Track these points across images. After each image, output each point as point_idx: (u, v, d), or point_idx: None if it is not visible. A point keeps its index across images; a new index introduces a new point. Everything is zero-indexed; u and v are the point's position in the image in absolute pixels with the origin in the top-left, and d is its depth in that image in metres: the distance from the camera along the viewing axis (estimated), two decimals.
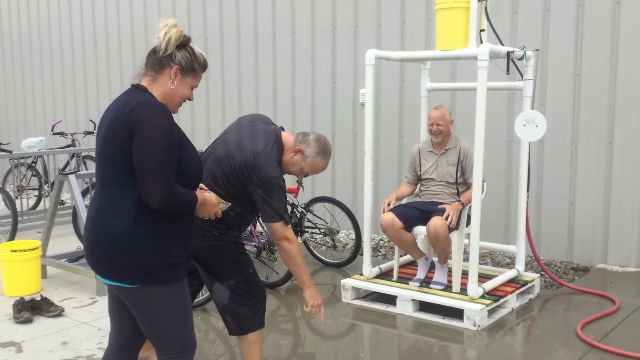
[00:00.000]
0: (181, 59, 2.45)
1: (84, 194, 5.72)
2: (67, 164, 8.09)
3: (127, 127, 2.32)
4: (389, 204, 4.89)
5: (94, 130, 8.63)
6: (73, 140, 8.47)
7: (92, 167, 8.36)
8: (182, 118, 8.61)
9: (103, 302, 4.97)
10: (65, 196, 8.95)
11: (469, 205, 4.66)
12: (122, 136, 2.33)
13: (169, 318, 2.47)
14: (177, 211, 2.43)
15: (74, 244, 6.33)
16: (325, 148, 3.21)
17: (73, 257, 5.73)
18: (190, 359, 2.56)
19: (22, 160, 8.09)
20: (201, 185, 2.70)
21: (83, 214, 5.19)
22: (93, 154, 8.20)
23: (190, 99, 2.53)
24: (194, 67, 2.49)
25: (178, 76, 2.46)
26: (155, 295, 2.43)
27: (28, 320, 4.54)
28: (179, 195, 2.38)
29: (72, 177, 5.27)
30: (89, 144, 9.24)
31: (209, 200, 2.57)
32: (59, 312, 4.68)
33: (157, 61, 2.46)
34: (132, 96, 2.42)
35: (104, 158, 2.40)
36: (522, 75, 4.92)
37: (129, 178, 2.35)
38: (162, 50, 2.43)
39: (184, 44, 2.47)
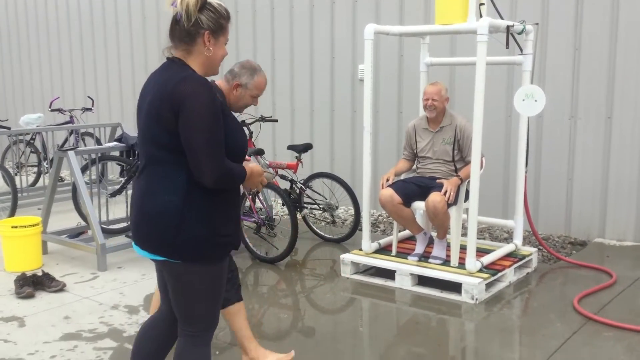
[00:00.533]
0: (208, 22, 2.35)
1: (83, 170, 5.72)
2: (66, 140, 8.09)
3: (171, 106, 2.25)
4: (387, 180, 4.91)
5: (92, 106, 8.61)
6: (71, 117, 8.45)
7: (90, 144, 8.36)
8: None
9: (104, 277, 5.01)
10: (64, 173, 8.96)
11: (467, 181, 4.68)
12: (167, 115, 2.26)
13: (202, 298, 2.43)
14: (229, 187, 2.39)
15: (74, 220, 6.36)
16: (252, 66, 3.33)
17: (74, 233, 5.76)
18: (211, 336, 2.54)
19: (20, 137, 8.08)
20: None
21: (82, 190, 5.21)
22: (92, 130, 8.19)
23: (225, 55, 2.47)
24: (222, 24, 2.39)
25: (212, 40, 2.37)
26: (194, 274, 2.39)
27: (30, 296, 4.58)
28: (231, 171, 2.33)
29: (71, 153, 5.27)
30: (87, 121, 9.23)
31: (255, 171, 2.52)
32: (60, 287, 4.72)
33: (185, 33, 2.35)
34: (172, 71, 2.33)
35: (149, 137, 2.34)
36: (521, 50, 4.90)
37: (178, 156, 2.30)
38: (185, 20, 2.32)
39: (202, 4, 2.34)
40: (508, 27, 4.50)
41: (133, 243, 2.49)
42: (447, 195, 4.57)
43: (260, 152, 5.59)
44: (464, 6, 4.50)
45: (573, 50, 5.78)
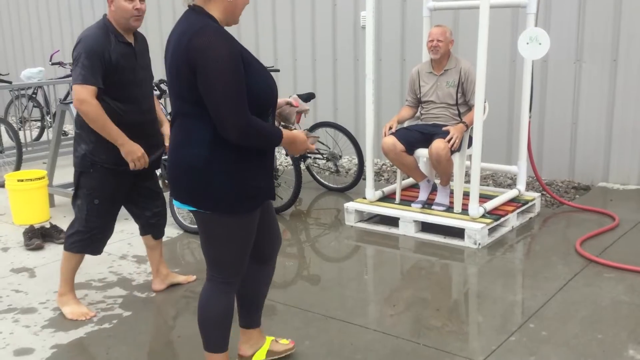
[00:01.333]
0: None
1: None
2: (68, 93, 8.05)
3: (187, 63, 2.22)
4: (390, 128, 4.89)
5: None
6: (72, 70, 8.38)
7: None
8: None
9: None
10: (68, 127, 8.96)
11: (470, 127, 4.66)
12: (185, 72, 2.24)
13: (231, 247, 2.48)
14: (260, 146, 2.35)
15: None
16: None
17: None
18: (237, 283, 2.61)
19: (22, 92, 8.05)
20: (291, 101, 2.78)
21: None
22: None
23: (247, 2, 2.39)
24: None
25: None
26: (223, 224, 2.43)
27: (39, 247, 4.66)
28: (259, 128, 2.28)
29: (73, 106, 5.25)
30: None
31: (299, 137, 2.50)
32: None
33: None
34: (189, 22, 2.27)
35: (174, 91, 2.36)
36: None
37: (202, 109, 2.29)
38: None
39: None
40: None
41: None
42: (452, 142, 4.56)
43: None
44: None
45: None
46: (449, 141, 4.56)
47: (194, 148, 2.35)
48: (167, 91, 5.78)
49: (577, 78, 5.81)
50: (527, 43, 4.63)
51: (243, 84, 2.24)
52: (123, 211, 5.42)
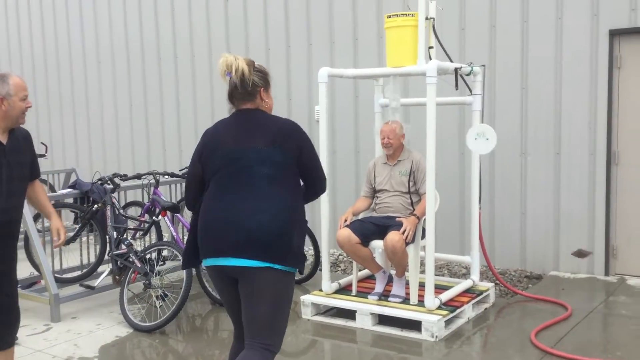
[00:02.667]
0: (260, 81, 2.93)
1: (36, 218, 5.60)
2: None
3: (294, 140, 2.90)
4: (345, 220, 4.95)
5: (45, 152, 8.45)
6: None
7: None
8: (153, 136, 8.53)
9: (57, 328, 4.87)
10: None
11: (423, 218, 4.75)
12: (291, 145, 2.88)
13: (288, 308, 2.98)
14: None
15: (26, 270, 6.17)
16: (2, 75, 3.36)
17: (26, 284, 5.59)
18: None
19: None
20: None
21: (35, 239, 5.09)
22: (45, 177, 8.03)
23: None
24: (268, 80, 2.98)
25: (264, 94, 2.96)
26: (293, 284, 2.95)
27: None
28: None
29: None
30: (40, 168, 9.03)
31: None
32: None
33: (246, 93, 2.90)
34: (263, 117, 2.92)
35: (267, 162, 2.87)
36: (470, 90, 5.06)
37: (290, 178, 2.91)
38: (240, 85, 2.87)
39: (253, 68, 2.90)
40: (456, 69, 4.65)
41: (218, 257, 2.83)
42: (406, 234, 4.63)
43: (175, 209, 5.44)
44: (414, 49, 4.65)
45: (520, 90, 5.99)
46: (402, 233, 4.63)
47: (287, 213, 2.82)
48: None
49: (524, 170, 6.05)
50: (475, 138, 4.82)
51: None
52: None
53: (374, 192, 5.17)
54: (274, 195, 2.80)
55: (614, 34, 5.61)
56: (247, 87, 2.88)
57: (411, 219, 4.73)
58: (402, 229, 4.65)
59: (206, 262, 2.91)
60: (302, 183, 2.98)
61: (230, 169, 2.84)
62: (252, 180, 2.80)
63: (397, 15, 4.69)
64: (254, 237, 2.74)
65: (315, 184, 2.99)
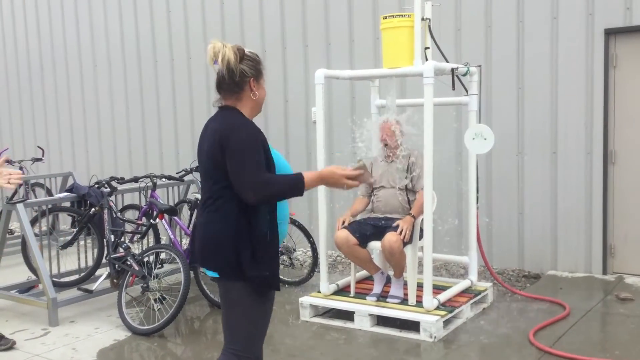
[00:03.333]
0: (250, 70, 2.72)
1: (33, 222, 5.59)
2: (15, 192, 7.89)
3: (221, 147, 2.63)
4: (343, 222, 4.95)
5: (42, 156, 8.44)
6: (21, 168, 8.26)
7: (41, 195, 8.17)
8: (150, 141, 8.53)
9: (55, 332, 4.86)
10: (14, 225, 8.71)
11: (421, 219, 4.75)
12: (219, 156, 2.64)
13: None
14: (282, 195, 2.71)
15: (24, 274, 6.16)
16: None
17: (24, 288, 5.59)
18: None
19: None
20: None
21: (32, 244, 5.08)
22: (42, 181, 8.02)
23: (266, 94, 2.84)
24: (259, 69, 2.77)
25: (255, 85, 2.75)
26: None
27: None
28: (271, 180, 2.72)
29: (20, 206, 5.15)
30: (37, 171, 9.04)
31: (326, 175, 2.92)
32: (10, 345, 4.55)
33: (234, 84, 2.71)
34: (224, 119, 2.67)
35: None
36: (467, 91, 5.07)
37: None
38: (228, 74, 2.68)
39: (242, 56, 2.70)
40: (453, 70, 4.66)
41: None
42: (403, 234, 4.63)
43: (172, 212, 5.50)
44: (410, 50, 4.66)
45: (516, 89, 6.00)
46: (400, 233, 4.63)
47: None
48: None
49: (521, 169, 6.05)
50: (473, 139, 4.83)
51: (261, 155, 2.62)
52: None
53: (372, 192, 5.17)
54: (215, 207, 2.68)
55: (610, 33, 5.62)
56: (235, 77, 2.69)
57: (407, 219, 4.73)
58: (399, 230, 4.65)
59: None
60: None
61: (200, 178, 2.84)
62: (203, 191, 2.78)
63: (393, 16, 4.69)
64: (200, 248, 2.76)
65: (239, 190, 2.59)
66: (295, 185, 2.64)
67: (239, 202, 2.64)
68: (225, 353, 2.78)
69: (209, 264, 2.75)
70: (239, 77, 2.70)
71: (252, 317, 2.75)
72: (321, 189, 4.95)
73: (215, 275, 2.76)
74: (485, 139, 4.79)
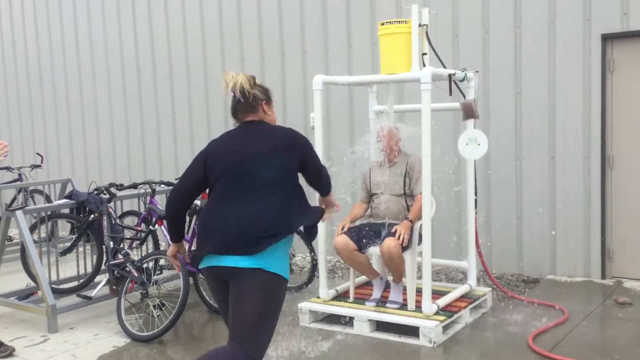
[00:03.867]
0: (262, 95, 3.12)
1: (32, 229, 5.59)
2: (14, 199, 7.90)
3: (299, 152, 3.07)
4: (343, 227, 4.95)
5: (41, 163, 8.46)
6: (20, 175, 8.28)
7: (40, 201, 8.18)
8: (149, 148, 8.54)
9: (55, 339, 4.86)
10: (13, 231, 8.72)
11: (420, 224, 4.76)
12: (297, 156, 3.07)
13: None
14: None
15: (23, 281, 6.16)
16: None
17: (23, 295, 5.58)
18: None
19: None
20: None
21: (31, 250, 5.08)
22: (41, 187, 8.02)
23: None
24: (269, 95, 3.16)
25: (267, 108, 3.14)
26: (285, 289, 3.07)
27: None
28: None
29: (19, 212, 5.15)
30: (36, 178, 9.04)
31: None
32: (9, 352, 4.55)
33: (248, 106, 3.08)
34: (265, 128, 3.08)
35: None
36: (464, 96, 5.09)
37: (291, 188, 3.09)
38: (243, 98, 3.04)
39: (254, 83, 3.10)
40: (450, 76, 4.67)
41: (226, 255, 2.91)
42: (401, 238, 4.64)
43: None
44: (408, 56, 4.68)
45: (514, 95, 6.02)
46: (397, 238, 4.64)
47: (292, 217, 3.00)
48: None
49: (519, 175, 6.07)
50: (467, 144, 4.84)
51: None
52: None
53: (370, 197, 5.18)
54: (271, 199, 2.92)
55: (607, 38, 5.65)
56: (249, 99, 3.05)
57: (405, 223, 4.74)
58: (396, 234, 4.66)
59: (201, 264, 2.99)
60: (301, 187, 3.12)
61: (232, 175, 2.96)
62: (252, 185, 2.94)
63: (390, 22, 4.72)
64: (244, 237, 2.86)
65: (322, 186, 3.26)
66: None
67: (294, 192, 3.04)
68: (233, 348, 2.81)
69: (267, 240, 2.87)
70: (252, 99, 3.06)
71: (274, 316, 2.92)
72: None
73: (250, 265, 2.84)
74: (479, 144, 4.79)
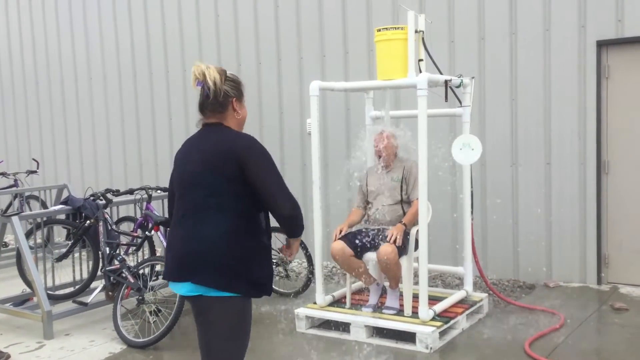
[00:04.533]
0: (233, 91, 2.81)
1: (28, 235, 5.57)
2: (10, 204, 7.88)
3: (237, 159, 2.65)
4: (340, 232, 4.95)
5: (37, 168, 8.45)
6: (16, 180, 8.25)
7: (35, 207, 8.16)
8: (145, 149, 8.54)
9: (50, 346, 4.84)
10: (9, 237, 8.69)
11: (416, 230, 4.76)
12: (231, 167, 2.64)
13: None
14: (299, 222, 2.79)
15: (18, 287, 6.14)
16: None
17: (18, 301, 5.56)
18: None
19: None
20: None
21: (27, 256, 5.06)
22: (37, 193, 8.01)
23: (247, 114, 2.94)
24: (241, 90, 2.86)
25: (237, 105, 2.83)
26: (250, 309, 2.80)
27: None
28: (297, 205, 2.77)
29: (15, 218, 5.14)
30: (32, 184, 9.02)
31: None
32: (5, 359, 4.53)
33: (218, 104, 2.78)
34: (221, 133, 2.74)
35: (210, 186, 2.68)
36: (460, 102, 5.10)
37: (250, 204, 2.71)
38: (213, 94, 2.76)
39: (225, 78, 2.80)
40: (446, 82, 4.69)
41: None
42: (393, 239, 4.64)
43: (167, 224, 5.42)
44: (404, 62, 4.69)
45: (510, 101, 6.05)
46: (390, 240, 4.63)
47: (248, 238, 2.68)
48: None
49: (514, 180, 6.08)
50: (460, 149, 4.85)
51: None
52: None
53: (367, 203, 5.18)
54: (210, 221, 2.65)
55: (602, 45, 5.68)
56: (219, 97, 2.77)
57: (398, 226, 4.75)
58: (389, 236, 4.67)
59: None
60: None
61: (181, 191, 2.78)
62: (194, 204, 2.70)
63: (386, 28, 4.73)
64: (186, 263, 2.67)
65: (270, 205, 2.67)
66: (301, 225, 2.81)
67: (238, 211, 2.67)
68: None
69: (204, 276, 2.63)
70: (222, 97, 2.78)
71: (246, 330, 2.74)
72: (316, 200, 4.96)
73: (198, 291, 2.64)
74: (472, 149, 4.81)
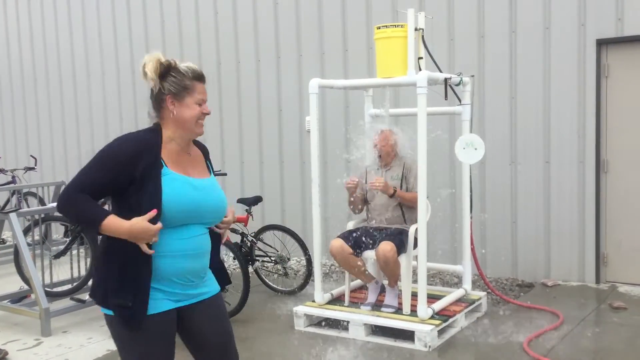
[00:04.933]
0: (169, 87, 2.47)
1: (26, 231, 5.56)
2: (8, 201, 7.86)
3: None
4: (354, 182, 4.94)
5: (35, 165, 8.42)
6: (13, 177, 8.23)
7: (33, 204, 8.14)
8: None
9: (48, 343, 4.82)
10: (6, 234, 8.67)
11: (415, 228, 4.76)
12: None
13: None
14: (71, 218, 2.51)
15: (16, 284, 6.13)
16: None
17: (16, 298, 5.55)
18: None
19: None
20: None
21: (25, 253, 5.05)
22: (35, 190, 7.99)
23: (204, 113, 2.55)
24: (186, 85, 2.49)
25: (175, 103, 2.48)
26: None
27: None
28: (79, 200, 2.39)
29: (12, 215, 5.13)
30: (30, 180, 9.00)
31: (136, 228, 2.36)
32: (2, 356, 4.52)
33: (155, 101, 2.52)
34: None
35: None
36: (460, 100, 5.10)
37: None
38: (151, 88, 2.50)
39: (165, 72, 2.48)
40: (446, 80, 4.68)
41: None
42: (376, 184, 4.68)
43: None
44: (404, 60, 4.68)
45: (509, 99, 6.04)
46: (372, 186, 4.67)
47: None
48: None
49: (514, 179, 6.08)
50: (464, 148, 4.85)
51: (102, 175, 2.38)
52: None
53: (366, 202, 5.17)
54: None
55: (601, 43, 5.67)
56: (155, 93, 2.50)
57: (386, 184, 4.78)
58: (370, 182, 4.75)
59: None
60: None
61: None
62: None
63: (386, 26, 4.72)
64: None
65: None
66: (92, 220, 2.38)
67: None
68: None
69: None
70: (158, 93, 2.49)
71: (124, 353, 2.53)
72: (315, 198, 4.95)
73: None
74: (475, 149, 4.80)
